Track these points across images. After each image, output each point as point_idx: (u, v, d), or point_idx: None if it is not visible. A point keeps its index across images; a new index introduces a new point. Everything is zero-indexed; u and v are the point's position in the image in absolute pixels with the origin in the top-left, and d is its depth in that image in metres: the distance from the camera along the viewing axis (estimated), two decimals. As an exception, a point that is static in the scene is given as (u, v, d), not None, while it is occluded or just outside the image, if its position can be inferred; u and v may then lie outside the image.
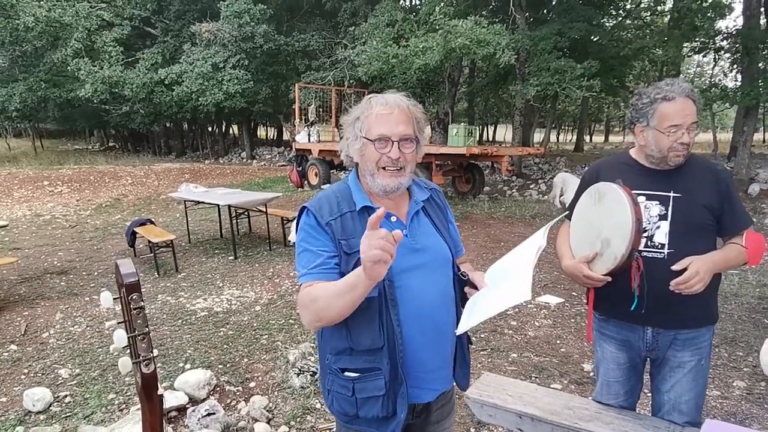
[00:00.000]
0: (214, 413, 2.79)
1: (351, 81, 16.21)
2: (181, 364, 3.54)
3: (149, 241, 5.95)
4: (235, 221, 7.07)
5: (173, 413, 2.90)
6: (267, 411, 2.96)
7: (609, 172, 1.87)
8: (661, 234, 1.74)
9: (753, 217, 3.98)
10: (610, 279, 1.71)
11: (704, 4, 11.91)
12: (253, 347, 3.84)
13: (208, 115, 21.23)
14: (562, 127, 41.98)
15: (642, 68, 21.65)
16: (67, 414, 2.96)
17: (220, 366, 3.53)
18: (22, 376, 3.44)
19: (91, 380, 3.35)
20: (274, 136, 31.81)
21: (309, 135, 13.46)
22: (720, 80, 18.92)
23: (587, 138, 36.21)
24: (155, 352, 3.76)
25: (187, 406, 2.94)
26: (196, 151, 26.28)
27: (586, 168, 1.93)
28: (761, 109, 14.52)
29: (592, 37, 14.93)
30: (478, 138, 13.00)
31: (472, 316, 1.34)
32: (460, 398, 2.65)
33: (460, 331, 1.34)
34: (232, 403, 3.10)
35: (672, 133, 1.68)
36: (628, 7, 17.09)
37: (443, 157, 10.26)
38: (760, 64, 12.13)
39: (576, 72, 11.80)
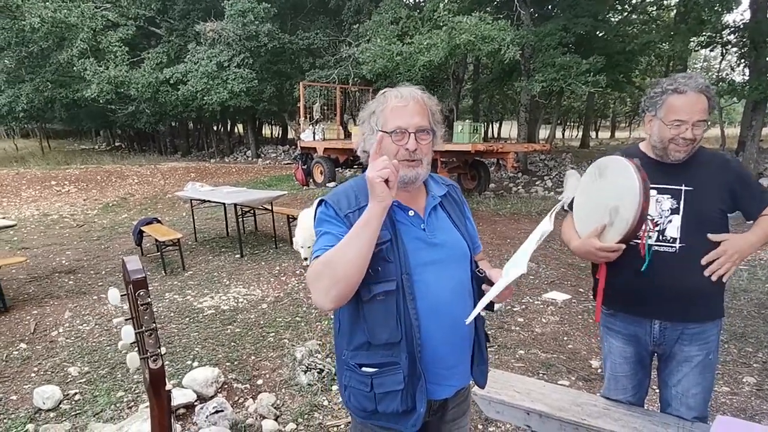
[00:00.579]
0: (222, 410, 2.80)
1: (355, 79, 16.19)
2: (188, 362, 3.56)
3: (156, 240, 5.98)
4: (241, 220, 7.09)
5: (182, 411, 2.92)
6: (275, 408, 2.97)
7: None
8: (673, 228, 1.73)
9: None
10: (624, 247, 1.69)
11: (711, -2, 11.80)
12: (260, 345, 3.85)
13: (213, 114, 21.30)
14: (568, 124, 41.75)
15: (648, 63, 21.50)
16: (77, 412, 2.98)
17: (227, 363, 3.54)
18: (32, 374, 3.47)
19: (100, 378, 3.37)
20: (279, 134, 31.87)
21: (314, 133, 13.47)
22: (727, 75, 18.76)
23: (593, 134, 36.00)
24: (163, 349, 3.77)
25: (196, 403, 2.96)
26: (202, 150, 26.38)
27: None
28: (769, 103, 14.37)
29: (597, 33, 14.83)
30: (483, 135, 12.97)
31: (479, 305, 1.35)
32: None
33: (468, 320, 1.33)
34: (240, 401, 3.11)
35: (675, 126, 1.67)
36: (634, 1, 16.95)
37: (448, 154, 10.23)
38: (768, 58, 12.02)
39: (581, 68, 11.72)
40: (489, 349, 3.78)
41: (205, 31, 16.69)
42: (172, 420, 2.73)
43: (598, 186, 1.79)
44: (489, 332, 4.00)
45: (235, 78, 16.50)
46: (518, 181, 13.38)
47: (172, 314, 4.52)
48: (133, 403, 3.05)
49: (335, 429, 2.78)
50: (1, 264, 4.87)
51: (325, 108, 15.37)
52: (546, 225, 1.36)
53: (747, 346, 3.67)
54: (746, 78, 13.87)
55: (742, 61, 15.40)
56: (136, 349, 1.16)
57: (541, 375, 3.35)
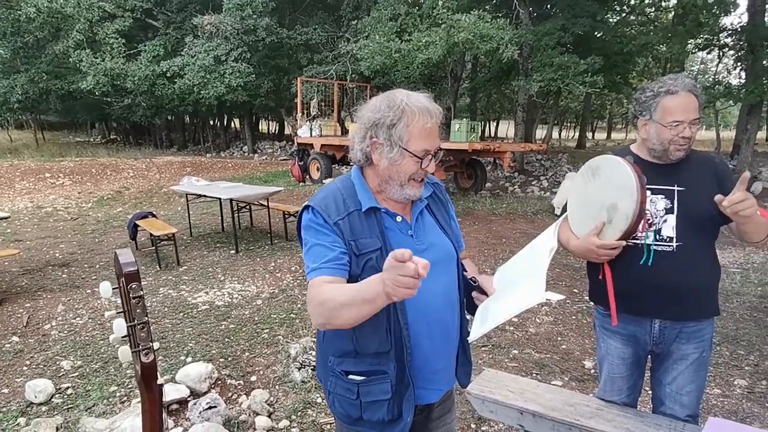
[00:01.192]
0: (215, 406, 2.80)
1: (353, 75, 16.16)
2: (182, 357, 3.55)
3: (151, 234, 5.95)
4: (236, 215, 7.07)
5: (175, 406, 2.91)
6: (268, 405, 2.97)
7: None
8: (669, 227, 1.76)
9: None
10: (624, 244, 1.70)
11: (709, 1, 11.84)
12: (255, 341, 3.85)
13: (210, 109, 21.19)
14: (565, 124, 41.88)
15: (646, 65, 21.56)
16: (69, 405, 2.97)
17: (221, 359, 3.54)
18: (24, 368, 3.45)
19: (93, 372, 3.36)
20: (275, 130, 31.75)
21: (311, 129, 13.43)
22: (724, 77, 18.85)
23: (590, 135, 36.14)
24: (156, 344, 3.77)
25: (189, 399, 2.95)
26: (198, 145, 26.27)
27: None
28: (765, 107, 14.47)
29: (595, 33, 14.86)
30: (480, 134, 12.97)
31: (486, 323, 1.30)
32: (461, 394, 2.66)
33: (473, 337, 1.31)
34: (234, 397, 3.11)
35: (674, 127, 1.70)
36: (632, 3, 16.99)
37: (445, 152, 10.24)
38: (765, 62, 12.09)
39: (579, 68, 11.75)
40: (483, 349, 3.80)
41: (202, 24, 16.60)
42: (164, 415, 2.72)
43: (592, 186, 1.80)
44: (483, 331, 4.01)
45: (232, 72, 16.43)
46: (515, 180, 13.40)
47: (166, 309, 4.50)
48: (125, 398, 3.03)
49: (328, 426, 2.78)
50: (-6, 256, 4.84)
51: (323, 104, 15.33)
52: (551, 241, 1.36)
53: (739, 348, 3.70)
54: (742, 81, 13.94)
55: (739, 64, 15.48)
56: (128, 342, 1.15)
57: (534, 375, 3.36)
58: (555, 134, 31.85)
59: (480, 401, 2.06)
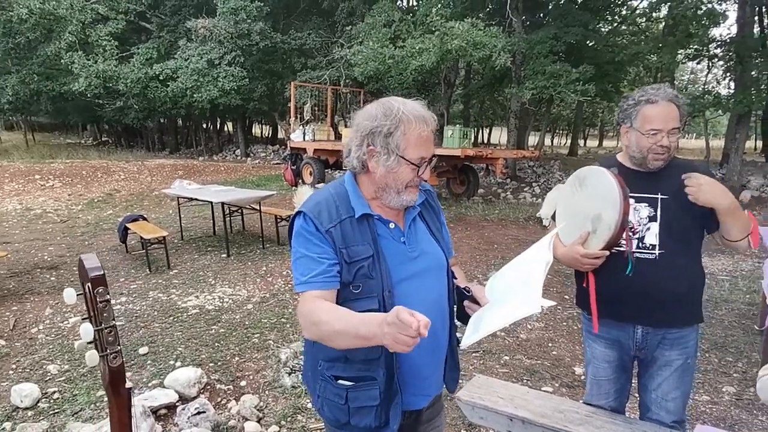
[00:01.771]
0: (204, 412, 2.77)
1: (347, 80, 16.20)
2: (171, 362, 3.52)
3: (141, 237, 5.90)
4: (228, 219, 7.04)
5: (163, 411, 2.88)
6: (257, 410, 2.95)
7: None
8: (652, 235, 1.78)
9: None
10: (607, 253, 1.74)
11: (699, 12, 12.02)
12: (245, 346, 3.82)
13: (203, 112, 21.15)
14: (557, 131, 42.12)
15: (636, 74, 21.80)
16: (56, 410, 2.93)
17: (211, 364, 3.51)
18: (10, 372, 3.40)
19: (80, 377, 3.32)
20: (269, 134, 31.72)
21: (304, 134, 13.43)
22: (713, 87, 19.09)
23: (581, 142, 36.39)
24: (145, 348, 3.74)
25: (177, 404, 2.92)
26: (190, 148, 26.16)
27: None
28: (753, 116, 14.68)
29: (587, 42, 15.01)
30: (473, 140, 13.03)
31: (479, 330, 1.30)
32: (451, 400, 2.66)
33: (465, 345, 1.31)
34: (223, 402, 3.08)
35: (651, 135, 1.73)
36: (624, 13, 17.20)
37: (438, 158, 10.24)
38: (753, 72, 12.27)
39: (571, 76, 11.86)
40: (474, 355, 3.80)
41: (196, 27, 16.58)
42: (152, 420, 2.69)
43: (579, 196, 1.84)
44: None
45: (225, 76, 16.41)
46: (507, 186, 13.46)
47: (155, 313, 4.47)
48: (113, 403, 3.00)
49: (318, 432, 2.77)
50: (-19, 258, 4.78)
51: (316, 109, 15.33)
52: (546, 255, 1.37)
53: (727, 355, 3.73)
54: (731, 91, 14.14)
55: (728, 74, 15.70)
56: (94, 348, 1.15)
57: (525, 381, 3.36)
58: (547, 141, 32.04)
59: (470, 407, 2.06)
